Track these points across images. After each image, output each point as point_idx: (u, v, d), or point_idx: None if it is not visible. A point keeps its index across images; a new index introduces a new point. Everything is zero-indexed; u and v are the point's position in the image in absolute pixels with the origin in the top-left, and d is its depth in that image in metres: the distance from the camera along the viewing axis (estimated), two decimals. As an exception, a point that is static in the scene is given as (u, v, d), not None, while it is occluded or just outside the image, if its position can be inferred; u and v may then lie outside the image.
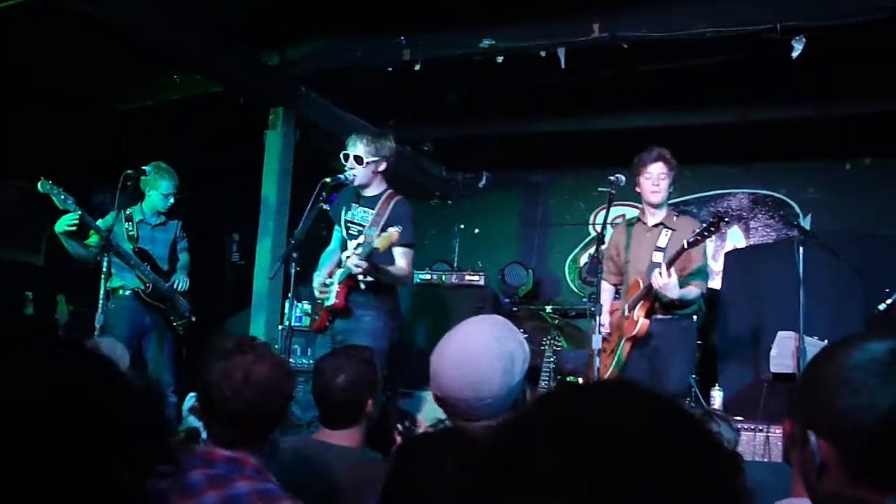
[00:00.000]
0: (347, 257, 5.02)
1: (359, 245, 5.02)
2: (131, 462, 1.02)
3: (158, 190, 5.98)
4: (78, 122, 7.58)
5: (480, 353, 2.11)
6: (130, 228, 5.95)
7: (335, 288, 5.11)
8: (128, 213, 5.98)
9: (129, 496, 1.03)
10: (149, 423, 1.09)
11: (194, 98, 6.94)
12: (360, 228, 5.19)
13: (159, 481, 2.01)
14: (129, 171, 5.54)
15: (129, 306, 5.88)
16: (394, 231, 4.74)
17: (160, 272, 6.01)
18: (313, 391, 3.11)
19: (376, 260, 4.96)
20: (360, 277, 4.91)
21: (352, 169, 5.12)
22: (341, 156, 5.17)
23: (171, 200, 6.05)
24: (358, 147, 5.13)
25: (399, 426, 3.41)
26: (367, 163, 5.12)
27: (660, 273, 4.85)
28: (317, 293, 5.26)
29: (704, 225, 4.76)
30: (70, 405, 0.95)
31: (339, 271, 5.13)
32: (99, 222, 5.70)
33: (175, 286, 6.05)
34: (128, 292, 5.87)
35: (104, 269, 5.35)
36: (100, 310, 5.26)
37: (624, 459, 0.83)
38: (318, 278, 5.28)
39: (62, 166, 6.34)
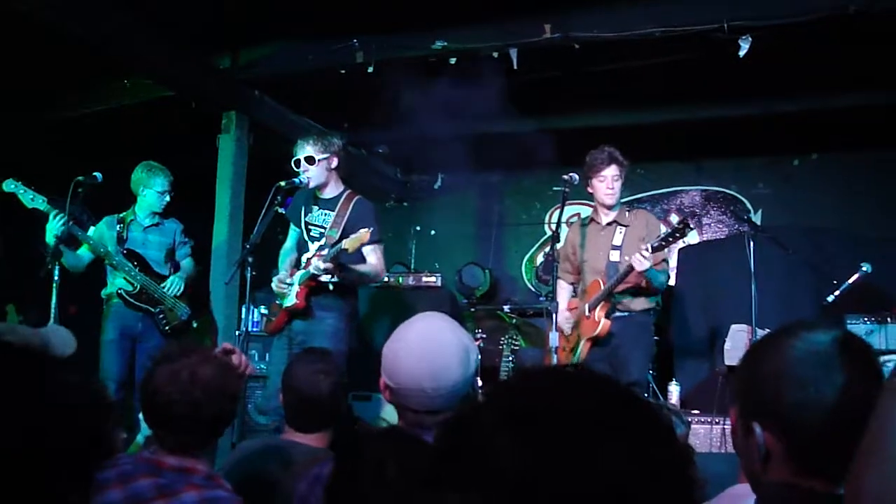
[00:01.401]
0: (308, 259, 5.03)
1: (322, 247, 5.02)
2: (61, 461, 1.00)
3: (154, 188, 5.82)
4: (25, 128, 7.46)
5: (440, 343, 2.12)
6: (121, 230, 5.82)
7: (295, 288, 5.10)
8: (120, 216, 5.86)
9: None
10: (80, 421, 1.07)
11: (146, 103, 6.85)
12: (322, 230, 5.20)
13: (109, 492, 2.01)
14: (79, 178, 5.41)
15: (118, 311, 5.73)
16: (364, 232, 4.74)
17: (153, 275, 5.80)
18: (289, 395, 3.05)
19: (344, 260, 4.96)
20: (326, 279, 4.92)
21: (305, 171, 5.10)
22: (292, 163, 5.15)
23: (168, 198, 5.89)
24: (306, 149, 5.13)
25: None
26: (319, 160, 5.12)
27: (642, 257, 4.81)
28: (275, 288, 5.24)
29: (669, 231, 4.81)
30: None
31: (300, 272, 5.12)
32: (91, 231, 5.62)
33: (168, 289, 5.81)
34: (116, 299, 5.73)
35: (55, 279, 5.23)
36: (51, 321, 5.14)
37: (577, 443, 0.84)
38: (279, 275, 5.27)
39: (7, 174, 6.23)
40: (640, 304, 5.26)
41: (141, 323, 5.76)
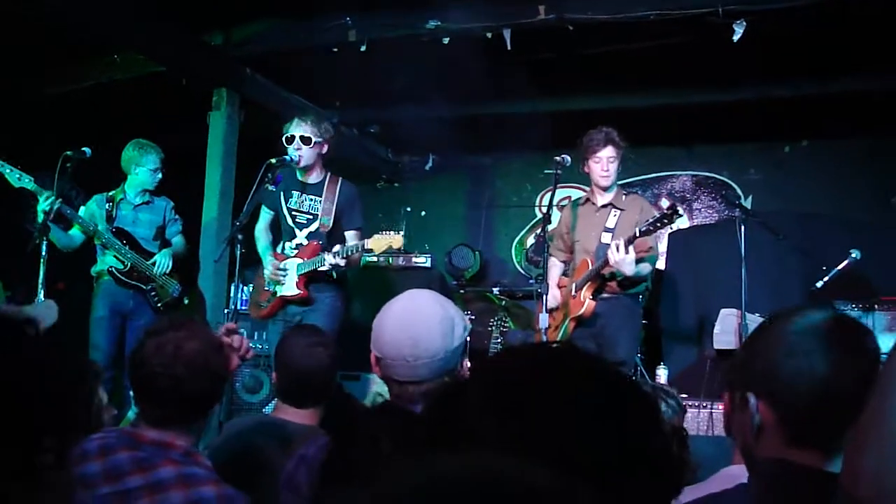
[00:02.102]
0: (301, 247, 5.17)
1: (314, 234, 5.15)
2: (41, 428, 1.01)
3: (146, 166, 5.77)
4: (13, 104, 7.39)
5: (422, 313, 2.14)
6: (110, 208, 5.79)
7: (294, 278, 5.13)
8: (109, 194, 5.82)
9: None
10: (60, 389, 1.07)
11: (136, 78, 6.80)
12: (310, 217, 5.22)
13: (89, 464, 2.01)
14: (67, 153, 5.38)
15: (108, 288, 5.71)
16: (398, 237, 4.82)
17: (143, 252, 5.77)
18: (283, 370, 3.05)
19: (325, 242, 5.05)
20: (327, 268, 4.99)
21: (298, 150, 5.08)
22: (284, 138, 5.12)
23: (160, 175, 5.85)
24: (303, 128, 5.10)
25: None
26: (315, 143, 5.11)
27: (616, 248, 4.84)
28: (268, 276, 5.26)
29: (657, 216, 4.80)
30: None
31: (298, 262, 5.15)
32: (81, 210, 5.61)
33: (157, 267, 5.75)
34: (106, 276, 5.72)
35: (43, 255, 5.21)
36: (39, 296, 5.12)
37: (560, 424, 0.83)
38: (271, 262, 5.27)
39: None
40: (632, 286, 5.26)
41: (132, 300, 5.75)
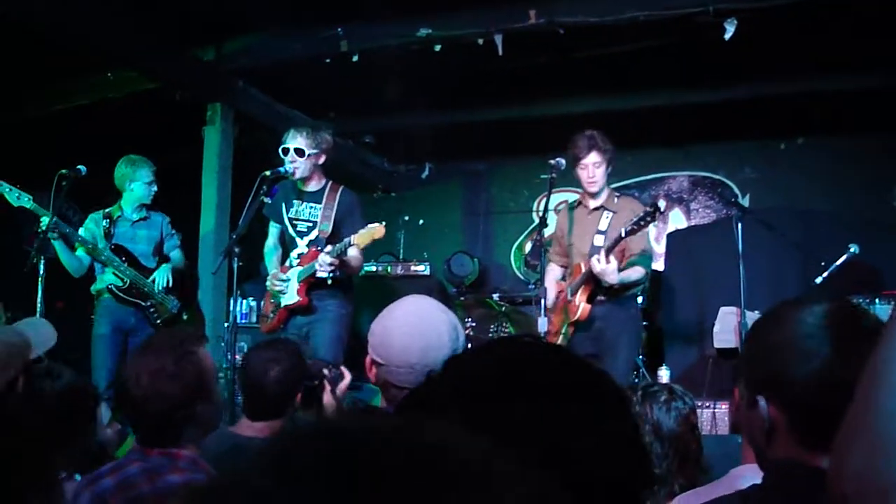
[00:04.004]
0: (301, 255, 5.15)
1: (314, 241, 5.14)
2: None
3: (140, 180, 5.75)
4: (7, 124, 7.40)
5: (431, 320, 2.15)
6: (108, 226, 5.79)
7: (294, 286, 5.12)
8: (106, 211, 5.82)
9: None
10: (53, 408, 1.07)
11: (130, 95, 6.81)
12: (309, 224, 5.23)
13: (103, 481, 2.04)
14: (63, 171, 5.39)
15: (109, 305, 5.70)
16: (379, 227, 4.83)
17: (142, 269, 5.77)
18: (242, 383, 3.16)
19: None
20: (325, 274, 4.98)
21: (293, 162, 5.09)
22: (280, 150, 5.13)
23: (155, 188, 5.85)
24: (298, 140, 5.11)
25: (325, 371, 3.39)
26: (309, 155, 5.11)
27: (598, 259, 4.82)
28: (270, 287, 5.27)
29: (640, 214, 4.75)
30: None
31: (297, 269, 5.16)
32: (81, 230, 5.64)
33: (156, 283, 5.76)
34: (106, 294, 5.72)
35: (41, 274, 5.24)
36: (38, 314, 5.14)
37: (524, 419, 0.84)
38: (272, 273, 5.30)
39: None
40: (623, 289, 5.25)
41: (133, 317, 5.74)
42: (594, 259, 4.86)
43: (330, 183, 5.30)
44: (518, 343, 0.97)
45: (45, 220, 5.32)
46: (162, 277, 5.80)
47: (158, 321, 5.76)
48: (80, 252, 5.64)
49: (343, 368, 3.51)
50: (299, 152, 5.09)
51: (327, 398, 3.29)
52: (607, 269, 4.82)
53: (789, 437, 1.38)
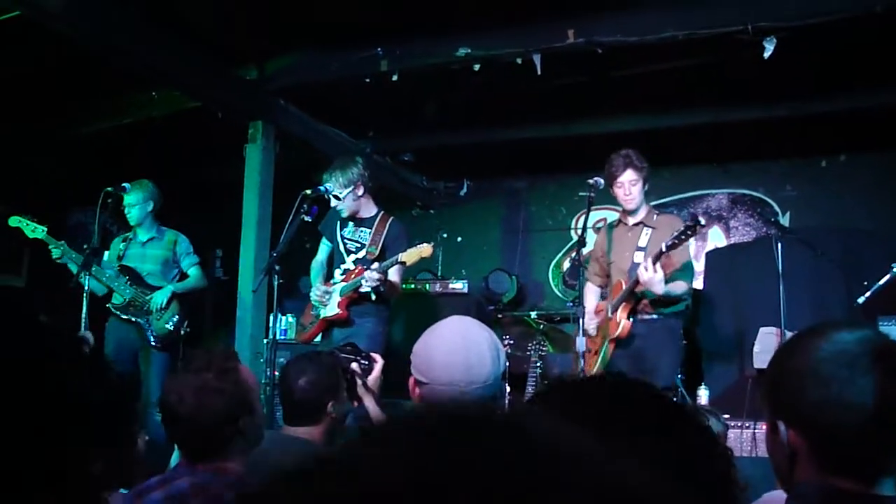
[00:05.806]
0: (347, 271, 5.35)
1: (360, 260, 5.32)
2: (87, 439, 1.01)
3: (136, 203, 6.03)
4: (55, 142, 7.56)
5: (473, 339, 2.17)
6: (123, 248, 6.07)
7: (336, 298, 5.26)
8: (126, 235, 6.14)
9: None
10: (109, 400, 1.08)
11: (173, 114, 6.93)
12: (358, 244, 5.42)
13: (151, 494, 2.08)
14: (108, 189, 5.54)
15: (113, 324, 5.98)
16: (426, 246, 4.98)
17: (148, 287, 6.00)
18: (279, 391, 3.37)
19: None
20: (368, 288, 5.11)
21: (336, 206, 5.33)
22: (329, 198, 5.30)
23: (152, 205, 6.07)
24: (330, 185, 5.29)
25: (354, 366, 3.54)
26: (344, 196, 5.28)
27: (645, 268, 4.82)
28: (314, 299, 5.41)
29: (681, 228, 4.76)
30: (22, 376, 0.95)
31: (342, 284, 5.31)
32: (106, 254, 5.95)
33: (152, 301, 5.96)
34: (111, 314, 5.96)
35: (86, 289, 5.37)
36: (83, 329, 5.25)
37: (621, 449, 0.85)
38: (316, 285, 5.46)
39: (40, 188, 6.32)
40: (666, 306, 5.22)
41: (133, 334, 5.98)
42: (641, 268, 4.84)
43: (382, 213, 5.49)
44: (628, 382, 1.00)
45: (56, 252, 5.63)
46: (160, 295, 5.96)
47: (154, 337, 5.92)
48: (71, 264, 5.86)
49: (373, 354, 3.62)
50: (336, 197, 5.27)
51: (361, 391, 3.49)
52: (654, 277, 4.80)
53: (810, 462, 1.37)
